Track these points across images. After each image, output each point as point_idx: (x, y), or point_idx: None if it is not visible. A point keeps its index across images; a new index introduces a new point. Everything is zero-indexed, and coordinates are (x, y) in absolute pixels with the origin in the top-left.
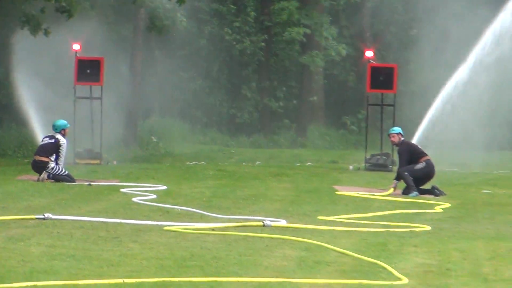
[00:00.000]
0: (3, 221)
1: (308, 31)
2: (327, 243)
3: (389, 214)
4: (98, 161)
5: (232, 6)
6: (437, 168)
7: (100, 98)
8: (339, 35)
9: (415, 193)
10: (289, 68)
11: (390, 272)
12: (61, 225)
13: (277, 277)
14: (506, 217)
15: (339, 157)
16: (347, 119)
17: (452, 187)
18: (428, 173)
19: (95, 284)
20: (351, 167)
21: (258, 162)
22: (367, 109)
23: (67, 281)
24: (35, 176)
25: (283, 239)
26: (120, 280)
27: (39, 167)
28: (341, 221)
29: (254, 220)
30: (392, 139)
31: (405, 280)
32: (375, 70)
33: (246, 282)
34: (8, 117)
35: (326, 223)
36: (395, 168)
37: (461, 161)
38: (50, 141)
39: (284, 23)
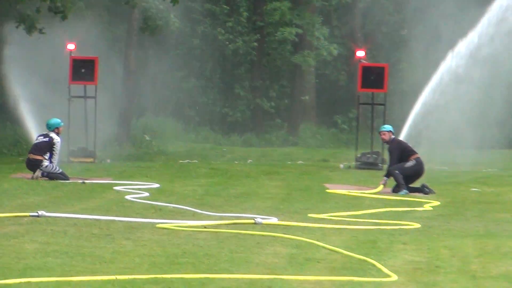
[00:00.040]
0: None
1: (300, 31)
2: (318, 240)
3: (379, 212)
4: (92, 160)
5: (225, 6)
6: (427, 167)
7: (94, 97)
8: (330, 35)
9: (405, 191)
10: (281, 68)
11: (380, 269)
12: (55, 222)
13: (268, 274)
14: (494, 215)
15: (330, 155)
16: (338, 118)
17: (441, 186)
18: (418, 171)
19: (88, 281)
20: (341, 166)
21: (250, 160)
22: (358, 108)
23: (60, 278)
24: (29, 174)
25: (274, 236)
26: (112, 277)
27: (34, 165)
28: (331, 219)
29: (246, 217)
30: (383, 136)
31: (394, 277)
32: (366, 70)
33: (238, 279)
34: (3, 116)
35: (317, 220)
36: (385, 166)
37: (450, 159)
38: (44, 139)
39: (276, 23)
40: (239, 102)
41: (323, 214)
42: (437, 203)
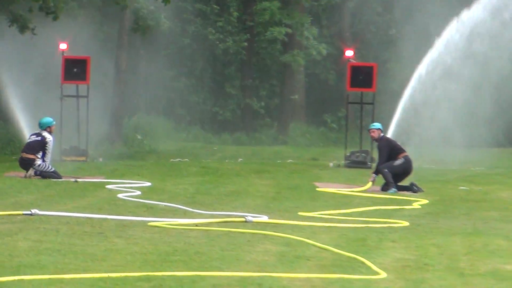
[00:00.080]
0: None
1: (289, 30)
2: (307, 238)
3: (368, 210)
4: (84, 158)
5: (215, 6)
6: (415, 165)
7: (87, 97)
8: (319, 35)
9: (393, 189)
10: (271, 67)
11: (369, 267)
12: (48, 220)
13: (258, 271)
14: (482, 213)
15: (319, 154)
16: (327, 117)
17: (430, 184)
18: (406, 169)
19: (81, 278)
20: (331, 164)
21: (240, 159)
22: (347, 108)
23: (53, 275)
24: (22, 173)
25: (264, 234)
26: (105, 275)
27: (26, 164)
28: (321, 217)
29: (236, 216)
30: (372, 134)
31: (383, 275)
32: (355, 69)
33: (228, 277)
34: None
35: (307, 219)
36: (374, 165)
37: (439, 158)
38: (37, 138)
39: (266, 23)
40: (230, 101)
41: (313, 212)
42: (425, 201)
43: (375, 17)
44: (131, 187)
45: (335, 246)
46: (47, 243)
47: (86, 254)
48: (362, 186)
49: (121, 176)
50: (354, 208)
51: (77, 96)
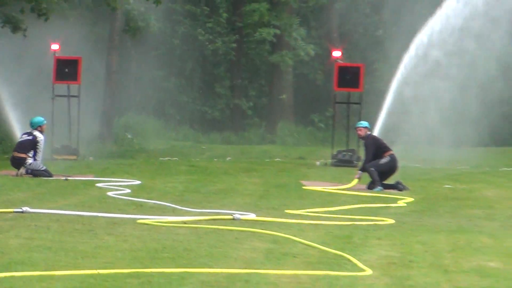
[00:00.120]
0: None
1: (278, 31)
2: (294, 235)
3: (354, 208)
4: (75, 157)
5: (205, 7)
6: (401, 164)
7: (78, 96)
8: (307, 36)
9: (379, 188)
10: (260, 67)
11: (355, 264)
12: (39, 218)
13: (246, 268)
14: (466, 211)
15: (306, 153)
16: (315, 116)
17: (415, 182)
18: (392, 167)
19: (71, 275)
20: (318, 163)
21: (228, 158)
22: (334, 107)
23: (44, 272)
24: (14, 171)
25: (252, 232)
26: (95, 271)
27: (18, 163)
28: (308, 215)
29: (224, 213)
30: (359, 132)
31: (369, 272)
32: (342, 70)
33: (216, 273)
34: None
35: (294, 216)
36: (360, 163)
37: (425, 157)
38: (28, 137)
39: (255, 24)
40: (219, 101)
41: (300, 210)
42: (410, 199)
43: (362, 18)
44: (121, 185)
45: (321, 244)
46: (38, 240)
47: (77, 251)
48: (348, 184)
49: (111, 174)
50: (340, 206)
51: (69, 96)
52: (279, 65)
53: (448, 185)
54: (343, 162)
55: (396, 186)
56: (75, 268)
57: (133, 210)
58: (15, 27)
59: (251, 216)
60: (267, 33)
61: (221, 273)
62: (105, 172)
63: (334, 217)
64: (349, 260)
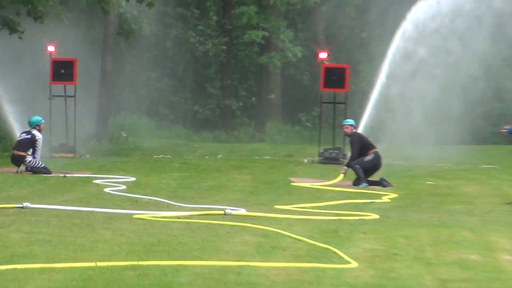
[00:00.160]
0: None
1: (266, 34)
2: (283, 230)
3: (340, 203)
4: (72, 155)
5: (196, 10)
6: (386, 161)
7: (74, 96)
8: (295, 38)
9: (364, 184)
10: (249, 68)
11: (341, 257)
12: (39, 213)
13: (237, 261)
14: (448, 206)
15: (294, 151)
16: (302, 116)
17: (399, 179)
18: (376, 164)
19: (70, 267)
20: (305, 160)
21: (219, 155)
22: (320, 107)
23: (44, 264)
24: (14, 169)
25: (243, 226)
26: (93, 264)
27: (18, 161)
28: (296, 210)
29: (216, 209)
30: (345, 130)
31: (354, 264)
32: (328, 70)
33: (209, 266)
34: None
35: (283, 212)
36: (346, 160)
37: (408, 155)
38: (27, 136)
39: (244, 27)
40: (210, 101)
41: (289, 206)
42: (394, 195)
43: (347, 21)
44: (117, 182)
45: (309, 237)
46: (38, 235)
47: (76, 245)
48: (334, 179)
49: (108, 171)
50: (327, 201)
51: (65, 96)
52: (267, 66)
53: (430, 181)
54: (330, 159)
55: (381, 183)
56: (74, 260)
57: (129, 206)
58: (12, 30)
59: (242, 211)
60: (255, 35)
61: (214, 265)
62: (101, 169)
63: (322, 212)
64: (335, 253)
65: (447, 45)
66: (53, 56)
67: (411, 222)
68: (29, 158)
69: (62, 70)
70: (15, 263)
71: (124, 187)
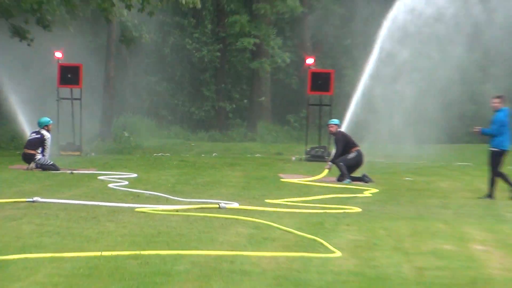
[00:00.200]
0: None
1: (257, 41)
2: (273, 222)
3: (326, 198)
4: (78, 153)
5: (192, 19)
6: (367, 159)
7: (80, 99)
8: (284, 45)
9: (348, 180)
10: (241, 73)
11: (326, 247)
12: (48, 207)
13: (231, 250)
14: (424, 200)
15: (283, 149)
16: (290, 117)
17: (379, 175)
18: (359, 161)
19: (77, 257)
20: (293, 158)
21: (214, 153)
22: (307, 109)
23: (53, 254)
24: (25, 166)
25: (236, 219)
26: (98, 253)
27: (28, 158)
28: (285, 204)
29: (211, 203)
30: (331, 129)
31: (338, 253)
32: (315, 75)
33: (205, 255)
34: (0, 116)
35: (273, 205)
36: (331, 157)
37: (389, 153)
38: (36, 136)
39: (236, 34)
40: (205, 103)
41: (278, 200)
42: (375, 190)
43: (333, 30)
44: (120, 178)
45: (297, 229)
46: (48, 227)
47: (82, 236)
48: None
49: (111, 168)
50: (314, 196)
51: (72, 99)
52: (258, 71)
53: (408, 177)
54: (316, 157)
55: (363, 179)
56: (81, 250)
57: (131, 200)
58: (22, 37)
59: (235, 205)
60: (247, 42)
61: (209, 255)
62: (105, 167)
63: (308, 205)
64: (321, 243)
65: (426, 50)
66: (60, 62)
67: (390, 215)
68: (38, 156)
69: (69, 75)
70: (27, 253)
71: (126, 182)
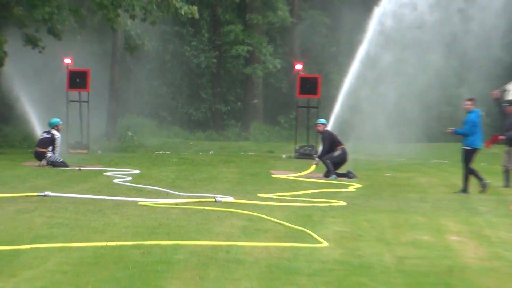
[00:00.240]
0: (13, 198)
1: (250, 48)
2: (265, 215)
3: (313, 192)
4: (86, 151)
5: (190, 28)
6: (352, 157)
7: (87, 101)
8: (275, 52)
9: (334, 176)
10: (236, 78)
11: (314, 237)
12: (58, 200)
13: (226, 241)
14: (404, 195)
15: (274, 148)
16: (281, 118)
17: (363, 172)
18: (343, 159)
19: (85, 247)
20: (284, 156)
21: (211, 152)
22: (296, 111)
23: (63, 244)
24: (37, 163)
25: (230, 211)
26: (104, 243)
27: (40, 156)
28: (276, 198)
29: (208, 197)
30: (318, 128)
31: (325, 244)
32: (303, 80)
33: (203, 245)
34: (14, 117)
35: (265, 199)
36: (318, 154)
37: (371, 151)
38: (47, 135)
39: (231, 42)
40: (203, 106)
41: (270, 194)
42: (359, 185)
43: (319, 38)
44: (124, 174)
45: (287, 221)
46: (57, 219)
47: (89, 227)
48: (309, 173)
49: (116, 165)
50: (302, 190)
51: (80, 101)
52: (251, 76)
53: (389, 174)
54: (304, 155)
55: (347, 175)
56: (88, 241)
57: (134, 194)
58: (35, 45)
59: (230, 199)
60: (241, 49)
61: (206, 245)
62: (111, 163)
63: (297, 199)
64: (309, 234)
65: (407, 57)
66: (69, 68)
67: (373, 208)
68: (49, 154)
69: (77, 79)
70: (38, 243)
71: (130, 178)
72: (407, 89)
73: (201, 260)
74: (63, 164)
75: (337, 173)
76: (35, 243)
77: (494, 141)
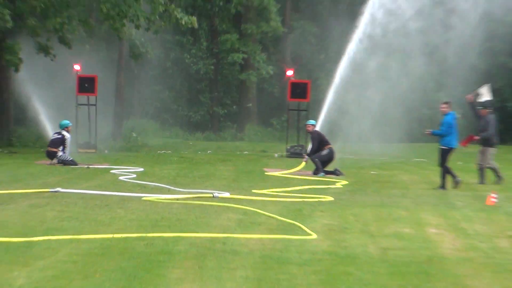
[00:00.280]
0: (26, 193)
1: (245, 56)
2: (259, 209)
3: (303, 188)
4: (94, 150)
5: (190, 37)
6: (339, 155)
7: (95, 105)
8: (268, 59)
9: (322, 173)
10: (232, 83)
11: (304, 230)
12: (68, 196)
13: (223, 233)
14: (388, 191)
15: (267, 147)
16: (273, 120)
17: (349, 170)
18: (331, 157)
19: (93, 239)
20: (276, 155)
21: (209, 151)
22: (288, 113)
23: (72, 236)
24: (48, 162)
25: (227, 206)
26: (110, 235)
27: (51, 155)
28: (269, 193)
29: (206, 192)
30: (308, 128)
31: (314, 236)
32: (294, 85)
33: (201, 237)
34: (28, 119)
35: (258, 195)
36: (307, 152)
37: (357, 150)
38: (58, 136)
39: (227, 50)
40: (201, 108)
41: (263, 190)
42: (346, 182)
43: (309, 46)
44: (129, 172)
45: (279, 215)
46: (68, 213)
47: (97, 221)
48: (300, 171)
49: (121, 163)
50: (293, 187)
51: (88, 105)
52: (246, 81)
53: (374, 171)
54: (295, 154)
55: (335, 172)
56: (96, 233)
57: (138, 190)
58: (46, 53)
59: (226, 194)
60: (237, 57)
61: (205, 237)
62: (116, 162)
63: (289, 195)
64: (300, 227)
65: (390, 62)
66: (78, 74)
67: (358, 203)
68: (60, 153)
69: (86, 84)
70: (49, 235)
71: (134, 175)
72: (390, 92)
73: (200, 251)
74: (72, 163)
75: (325, 170)
76: (47, 235)
77: (470, 140)
